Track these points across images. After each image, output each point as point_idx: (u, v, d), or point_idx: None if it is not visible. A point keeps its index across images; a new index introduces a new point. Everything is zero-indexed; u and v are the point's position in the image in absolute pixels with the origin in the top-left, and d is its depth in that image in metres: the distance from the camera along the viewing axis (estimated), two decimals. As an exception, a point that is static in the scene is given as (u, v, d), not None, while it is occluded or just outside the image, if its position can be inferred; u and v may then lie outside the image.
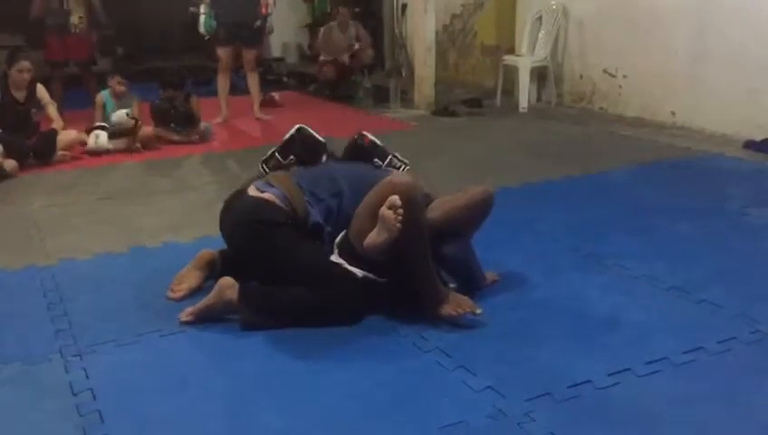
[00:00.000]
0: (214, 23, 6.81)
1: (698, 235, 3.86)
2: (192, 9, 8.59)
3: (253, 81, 7.21)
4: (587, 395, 2.39)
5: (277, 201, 2.97)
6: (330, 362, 2.64)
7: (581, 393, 2.40)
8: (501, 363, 2.60)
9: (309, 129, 3.39)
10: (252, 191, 3.05)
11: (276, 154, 3.33)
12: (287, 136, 3.34)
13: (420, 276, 2.88)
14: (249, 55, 7.11)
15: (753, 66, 5.80)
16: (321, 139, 3.39)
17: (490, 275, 3.27)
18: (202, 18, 6.86)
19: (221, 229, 3.16)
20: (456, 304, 2.87)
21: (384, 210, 2.73)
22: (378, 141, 3.44)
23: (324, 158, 3.37)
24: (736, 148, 5.67)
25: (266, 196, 2.99)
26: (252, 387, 2.51)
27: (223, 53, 7.01)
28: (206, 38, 8.34)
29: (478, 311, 2.86)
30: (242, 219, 3.02)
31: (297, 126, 3.37)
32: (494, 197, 3.13)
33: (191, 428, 2.28)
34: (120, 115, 5.96)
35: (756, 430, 2.25)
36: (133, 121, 5.90)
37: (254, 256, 2.97)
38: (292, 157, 3.32)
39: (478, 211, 3.11)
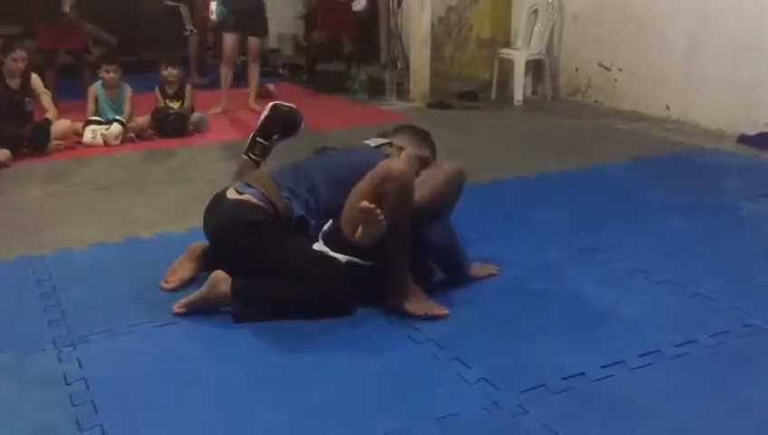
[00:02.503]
0: (225, 9, 6.76)
1: (692, 229, 3.86)
2: (168, 3, 8.53)
3: (253, 71, 7.15)
4: (580, 387, 2.40)
5: (256, 201, 2.98)
6: (323, 354, 2.64)
7: (575, 386, 2.41)
8: (495, 355, 2.60)
9: (283, 103, 3.40)
10: (231, 194, 3.06)
11: (258, 139, 3.33)
12: (263, 116, 3.34)
13: (393, 264, 2.88)
14: (253, 44, 7.05)
15: (748, 61, 5.80)
16: (292, 106, 3.41)
17: (488, 267, 3.28)
18: (213, 5, 6.80)
19: (205, 233, 3.17)
20: (423, 305, 2.87)
21: (362, 217, 2.72)
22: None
23: (302, 124, 3.39)
24: (731, 142, 5.68)
25: (245, 197, 3.00)
26: (244, 379, 2.50)
27: (229, 39, 6.92)
28: (188, 32, 8.33)
29: (445, 311, 2.87)
30: (224, 223, 3.03)
31: (271, 104, 3.39)
32: (464, 172, 3.15)
33: (184, 418, 2.28)
34: (113, 131, 5.91)
35: (748, 422, 2.26)
36: (121, 128, 5.89)
37: (241, 257, 2.96)
38: (275, 136, 3.32)
39: (457, 188, 3.12)
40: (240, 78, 7.38)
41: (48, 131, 5.57)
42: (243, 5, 6.83)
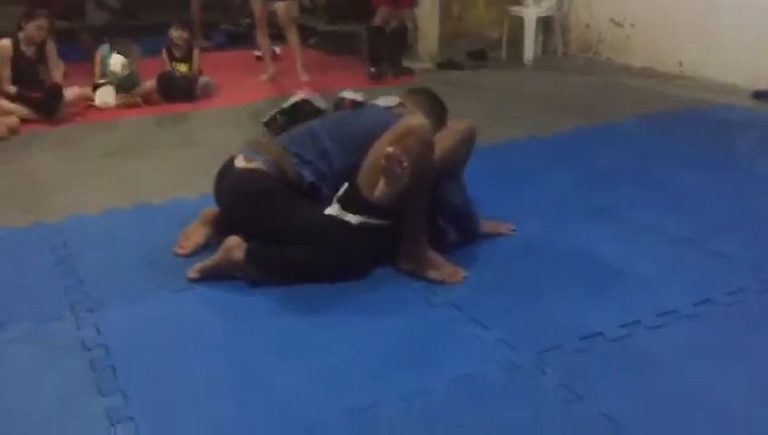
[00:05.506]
0: None
1: (707, 186, 3.83)
2: None
3: (292, 37, 6.84)
4: (598, 347, 2.40)
5: (265, 168, 2.96)
6: (339, 317, 2.64)
7: (593, 346, 2.40)
8: (512, 317, 2.60)
9: (312, 99, 3.36)
10: (239, 163, 3.04)
11: (278, 118, 3.31)
12: (290, 104, 3.32)
13: (410, 227, 2.86)
14: (282, 10, 6.72)
15: (762, 16, 5.70)
16: (322, 107, 3.38)
17: (500, 225, 3.27)
18: None
19: (216, 202, 3.16)
20: (441, 270, 2.86)
21: (385, 164, 2.67)
22: (359, 98, 3.39)
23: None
24: (745, 98, 5.61)
25: (253, 165, 2.99)
26: (261, 343, 2.51)
27: (256, 5, 6.73)
28: None
29: (461, 276, 2.86)
30: (235, 194, 3.02)
31: (301, 96, 3.35)
32: (475, 129, 3.14)
33: (201, 381, 2.29)
34: (115, 63, 5.90)
35: (765, 381, 2.26)
36: (128, 71, 5.89)
37: (253, 225, 2.95)
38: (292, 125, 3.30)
39: (469, 146, 3.11)
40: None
41: (61, 95, 5.53)
42: None
